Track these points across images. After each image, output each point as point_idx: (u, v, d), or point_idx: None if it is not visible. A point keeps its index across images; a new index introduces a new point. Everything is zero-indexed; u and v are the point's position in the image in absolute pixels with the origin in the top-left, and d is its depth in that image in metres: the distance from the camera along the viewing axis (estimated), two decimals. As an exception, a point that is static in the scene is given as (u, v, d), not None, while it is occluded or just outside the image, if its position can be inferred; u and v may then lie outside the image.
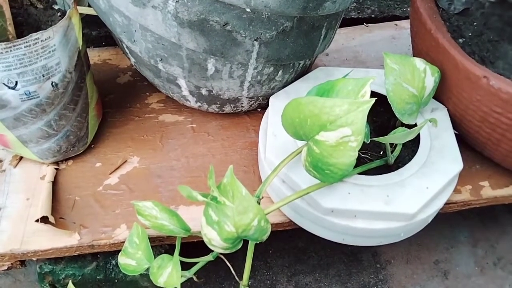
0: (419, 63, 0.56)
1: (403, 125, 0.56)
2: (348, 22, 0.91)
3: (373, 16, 0.93)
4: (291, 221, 0.58)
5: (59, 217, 0.58)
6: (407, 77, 0.54)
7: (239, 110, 0.70)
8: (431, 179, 0.53)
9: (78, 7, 0.56)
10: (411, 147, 0.58)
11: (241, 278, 0.50)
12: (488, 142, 0.59)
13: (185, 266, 0.51)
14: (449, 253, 0.79)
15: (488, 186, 0.62)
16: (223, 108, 0.68)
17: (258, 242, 0.47)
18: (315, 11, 0.54)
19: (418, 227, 0.55)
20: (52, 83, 0.53)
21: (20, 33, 0.56)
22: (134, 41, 0.58)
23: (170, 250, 0.61)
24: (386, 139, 0.51)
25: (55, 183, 0.62)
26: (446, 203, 0.56)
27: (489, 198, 0.61)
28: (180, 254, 0.51)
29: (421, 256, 0.78)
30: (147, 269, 0.52)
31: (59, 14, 0.59)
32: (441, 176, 0.54)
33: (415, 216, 0.52)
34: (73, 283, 0.53)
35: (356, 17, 0.92)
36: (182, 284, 0.50)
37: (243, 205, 0.42)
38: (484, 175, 0.63)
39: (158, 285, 0.50)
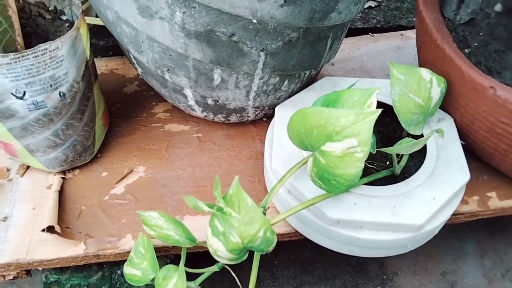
0: (425, 73, 0.56)
1: (409, 135, 0.56)
2: (354, 32, 0.91)
3: (378, 26, 0.94)
4: (297, 231, 0.58)
5: (65, 226, 0.58)
6: (413, 88, 0.54)
7: (245, 119, 0.70)
8: (438, 190, 0.53)
9: (86, 17, 0.56)
10: (418, 158, 0.58)
11: (246, 289, 0.49)
12: (495, 153, 0.58)
13: (190, 277, 0.51)
14: (456, 264, 0.78)
15: (495, 196, 0.62)
16: (229, 118, 0.68)
17: (263, 253, 0.46)
18: (321, 22, 0.55)
19: (425, 238, 0.55)
20: (59, 93, 0.53)
21: (29, 44, 0.57)
22: (141, 51, 0.58)
23: (175, 260, 0.61)
24: (392, 150, 0.50)
25: (61, 192, 0.62)
26: (453, 214, 0.56)
27: (497, 209, 0.61)
28: (186, 265, 0.51)
29: (428, 267, 0.77)
30: (153, 280, 0.52)
31: (67, 24, 0.60)
32: (448, 187, 0.53)
33: (422, 227, 0.52)
34: (79, 293, 0.53)
35: (361, 27, 0.93)
36: (187, 294, 0.49)
37: (249, 215, 0.42)
38: (491, 185, 0.63)
39: (163, 295, 0.50)
